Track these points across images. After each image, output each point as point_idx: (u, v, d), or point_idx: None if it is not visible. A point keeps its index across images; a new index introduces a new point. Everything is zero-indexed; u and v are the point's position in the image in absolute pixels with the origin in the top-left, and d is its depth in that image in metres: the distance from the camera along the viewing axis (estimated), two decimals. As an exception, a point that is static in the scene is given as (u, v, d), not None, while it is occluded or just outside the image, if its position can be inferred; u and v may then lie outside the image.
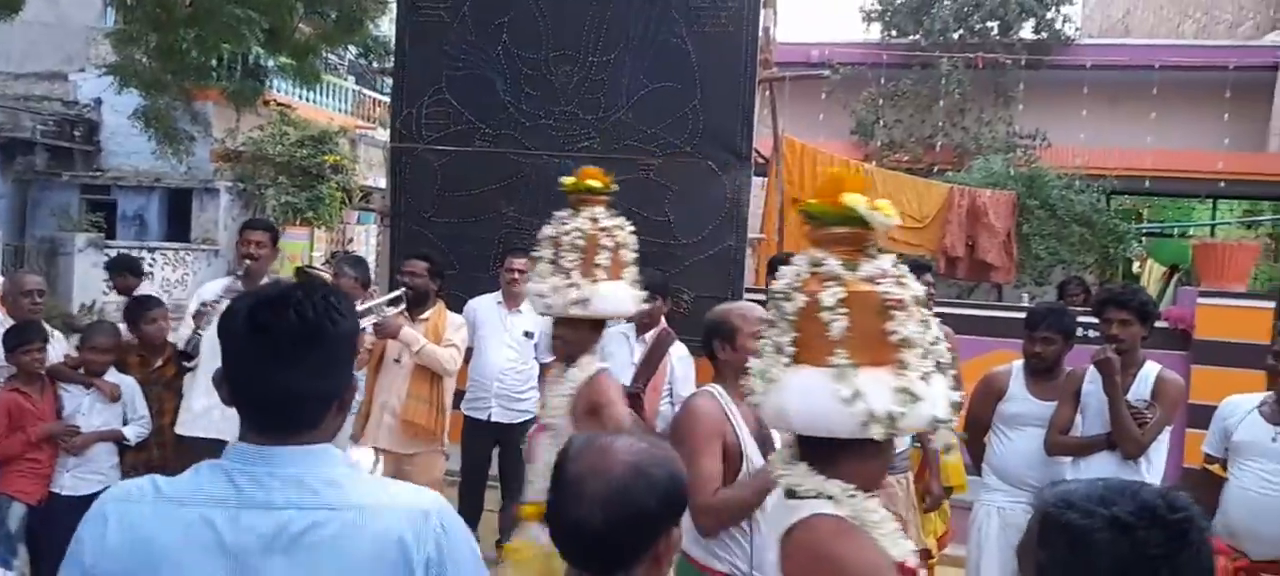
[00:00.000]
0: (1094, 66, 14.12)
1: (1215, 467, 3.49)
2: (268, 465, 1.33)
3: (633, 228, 3.36)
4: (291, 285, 1.41)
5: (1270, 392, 3.39)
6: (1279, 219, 13.83)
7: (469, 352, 4.96)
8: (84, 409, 4.12)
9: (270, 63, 11.56)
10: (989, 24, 15.59)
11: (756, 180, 7.33)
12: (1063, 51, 15.24)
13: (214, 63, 11.56)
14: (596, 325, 3.16)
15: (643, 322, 4.42)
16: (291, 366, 1.33)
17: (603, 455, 1.37)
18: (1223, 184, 13.33)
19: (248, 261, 4.29)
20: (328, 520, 1.31)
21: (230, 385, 1.38)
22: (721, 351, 2.71)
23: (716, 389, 2.67)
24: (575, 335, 3.08)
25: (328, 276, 6.04)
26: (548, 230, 3.19)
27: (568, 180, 3.27)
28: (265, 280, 4.60)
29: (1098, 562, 1.13)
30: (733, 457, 2.56)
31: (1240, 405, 3.43)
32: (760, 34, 5.95)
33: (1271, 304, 7.28)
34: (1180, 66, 13.85)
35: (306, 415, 1.36)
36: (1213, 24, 17.42)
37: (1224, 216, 15.05)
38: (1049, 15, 15.47)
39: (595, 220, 3.10)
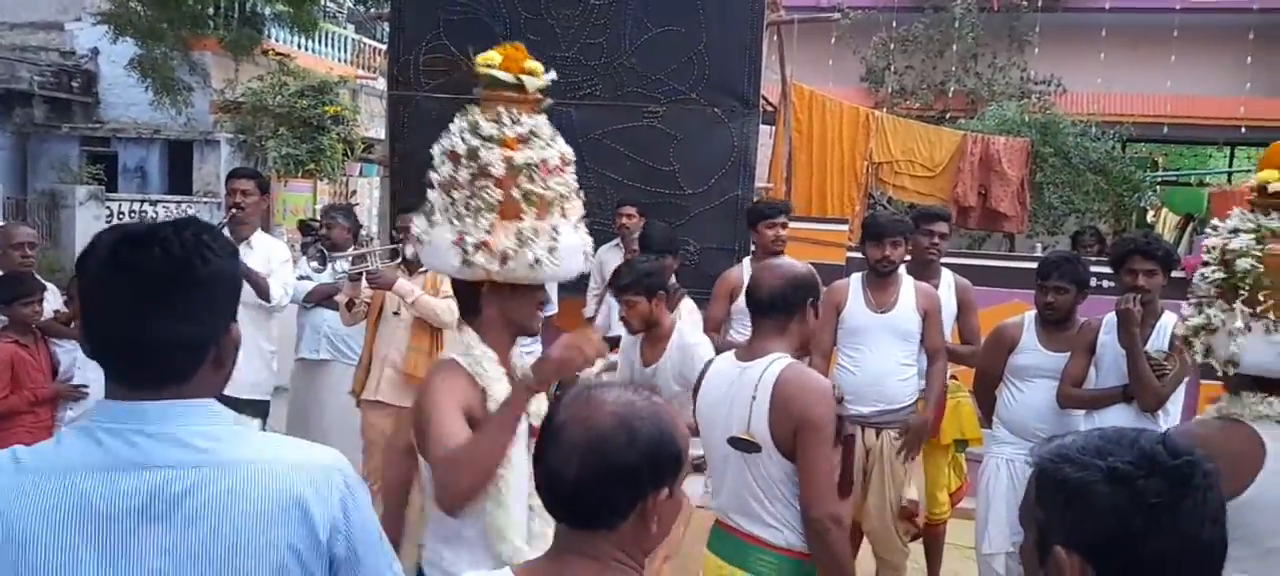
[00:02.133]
0: (1112, 9, 13.75)
1: None
2: (138, 422, 1.19)
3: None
4: (161, 222, 1.27)
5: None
6: (1298, 166, 13.57)
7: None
8: (80, 362, 4.05)
9: (267, 10, 11.36)
10: (1004, -35, 15.18)
11: (764, 128, 7.17)
12: (1079, -6, 14.85)
13: (210, 11, 11.38)
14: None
15: (629, 326, 4.19)
16: (156, 308, 1.20)
17: (589, 405, 1.30)
18: (1243, 130, 13.05)
19: (234, 210, 4.18)
20: (211, 480, 1.19)
21: (90, 331, 1.24)
22: (797, 319, 2.45)
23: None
24: None
25: (313, 249, 5.96)
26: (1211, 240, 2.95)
27: None
28: (258, 232, 4.50)
29: (1098, 516, 1.08)
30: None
31: None
32: (769, -25, 5.75)
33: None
34: (1200, 8, 13.48)
35: (178, 365, 1.22)
36: (1234, -35, 16.97)
37: (1242, 164, 14.77)
38: (1065, -43, 15.06)
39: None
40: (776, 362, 2.36)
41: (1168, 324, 3.48)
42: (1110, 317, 3.56)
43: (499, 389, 2.09)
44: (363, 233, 5.16)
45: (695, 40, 5.44)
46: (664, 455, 1.29)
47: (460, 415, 2.00)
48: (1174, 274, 3.79)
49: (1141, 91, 13.30)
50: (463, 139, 2.24)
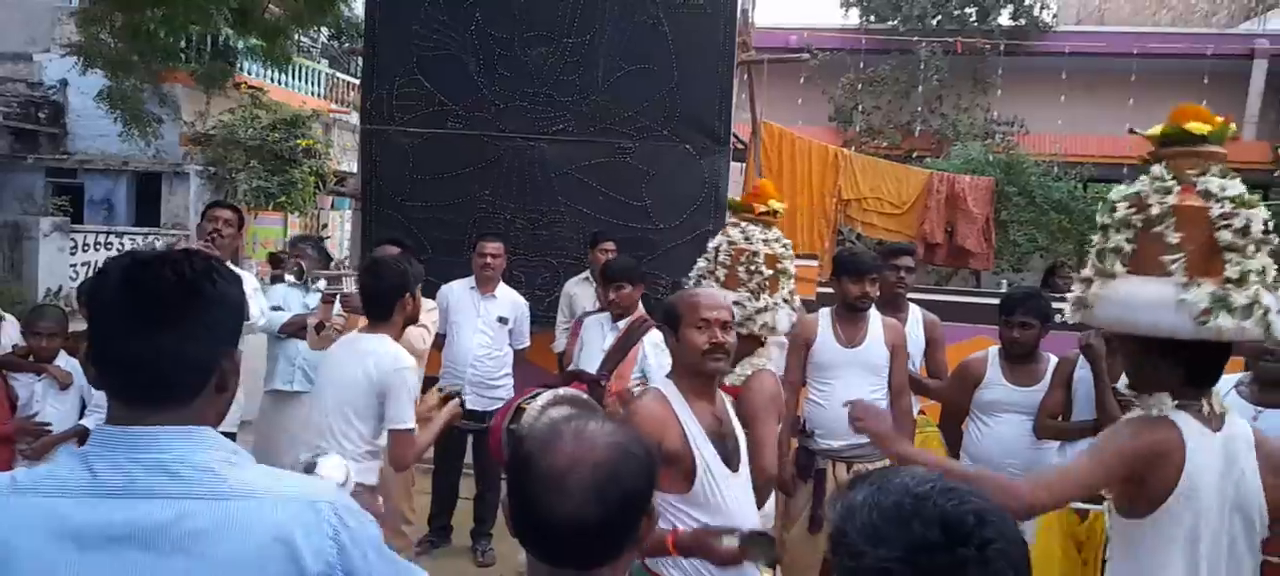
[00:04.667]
0: (1072, 53, 14.15)
1: None
2: (130, 449, 1.20)
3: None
4: (172, 250, 1.31)
5: (1247, 372, 3.36)
6: (1253, 206, 13.97)
7: (443, 339, 4.86)
8: (38, 396, 3.98)
9: (240, 44, 11.34)
10: (967, 10, 15.58)
11: (734, 165, 7.26)
12: (1041, 38, 15.25)
13: (182, 44, 11.33)
14: (1148, 347, 2.70)
15: (618, 309, 4.33)
16: (164, 326, 1.22)
17: (583, 443, 1.27)
18: (1199, 171, 13.43)
19: (212, 239, 4.15)
20: (198, 511, 1.18)
21: (97, 355, 1.26)
22: (672, 341, 2.50)
23: (667, 385, 2.47)
24: (1123, 356, 2.56)
25: (290, 262, 5.91)
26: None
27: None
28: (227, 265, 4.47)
29: None
30: (680, 459, 2.34)
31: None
32: (738, 17, 5.86)
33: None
34: (1158, 54, 13.90)
35: (181, 386, 1.23)
36: (1189, 12, 17.53)
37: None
38: (1027, 2, 15.49)
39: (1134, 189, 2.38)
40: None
41: None
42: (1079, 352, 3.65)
43: None
44: (334, 264, 5.13)
45: (667, 78, 5.52)
46: (655, 470, 1.32)
47: None
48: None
49: (1101, 132, 13.65)
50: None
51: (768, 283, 3.34)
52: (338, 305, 3.95)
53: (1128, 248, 2.11)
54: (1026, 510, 2.05)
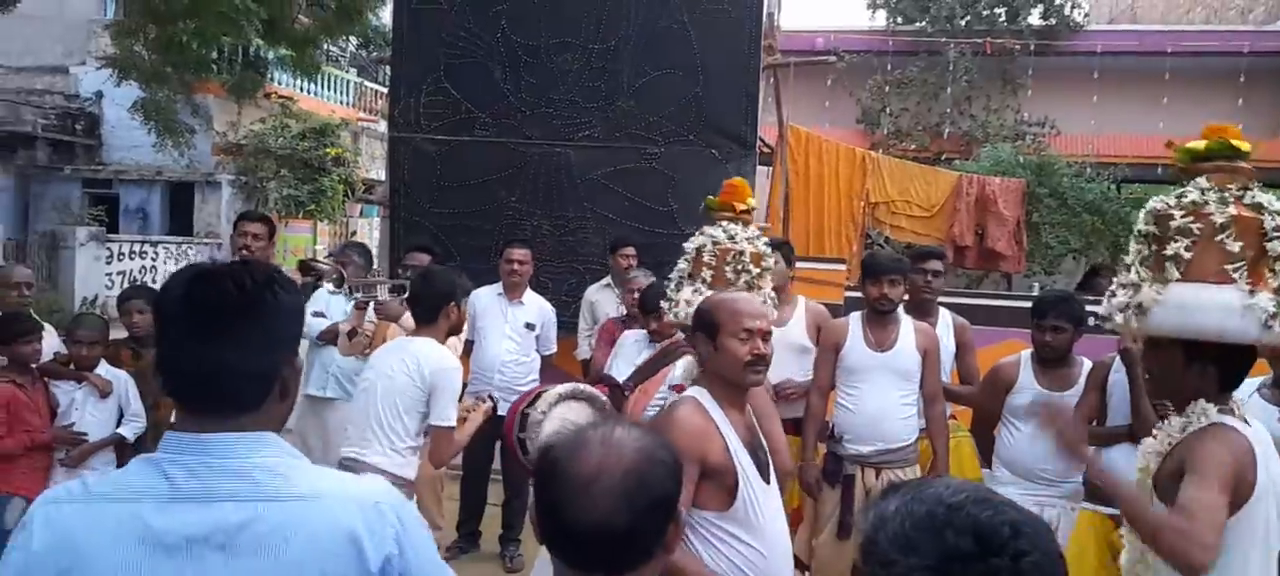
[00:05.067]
0: (1104, 52, 13.96)
1: None
2: (202, 454, 1.25)
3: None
4: (231, 261, 1.35)
5: (1270, 375, 3.29)
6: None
7: (470, 345, 4.87)
8: (78, 404, 4.04)
9: (270, 55, 11.51)
10: (996, 10, 15.42)
11: (762, 169, 7.24)
12: (1071, 38, 15.05)
13: (214, 55, 11.51)
14: (1192, 352, 2.77)
15: (658, 337, 4.28)
16: (229, 339, 1.26)
17: (611, 449, 1.28)
18: (1236, 171, 13.19)
19: (243, 252, 4.20)
20: (269, 512, 1.23)
21: (165, 365, 1.31)
22: (708, 348, 2.36)
23: (701, 392, 2.33)
24: (1161, 362, 2.48)
25: (330, 269, 5.98)
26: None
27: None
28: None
29: None
30: (723, 472, 2.22)
31: (1243, 388, 3.34)
32: (764, 20, 5.84)
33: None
34: (1192, 52, 13.66)
35: (246, 394, 1.28)
36: (1223, 9, 17.22)
37: (1236, 204, 14.89)
38: (1057, 1, 15.30)
39: (1182, 196, 2.37)
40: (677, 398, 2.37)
41: None
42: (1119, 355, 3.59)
43: None
44: (374, 269, 5.20)
45: (692, 83, 5.51)
46: (681, 473, 1.34)
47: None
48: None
49: (1134, 132, 13.43)
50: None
51: (756, 280, 3.29)
52: (370, 312, 3.99)
53: (1187, 255, 2.13)
54: (1202, 568, 2.01)
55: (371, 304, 3.98)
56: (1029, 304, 4.33)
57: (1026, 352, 3.83)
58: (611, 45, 5.56)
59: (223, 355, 1.26)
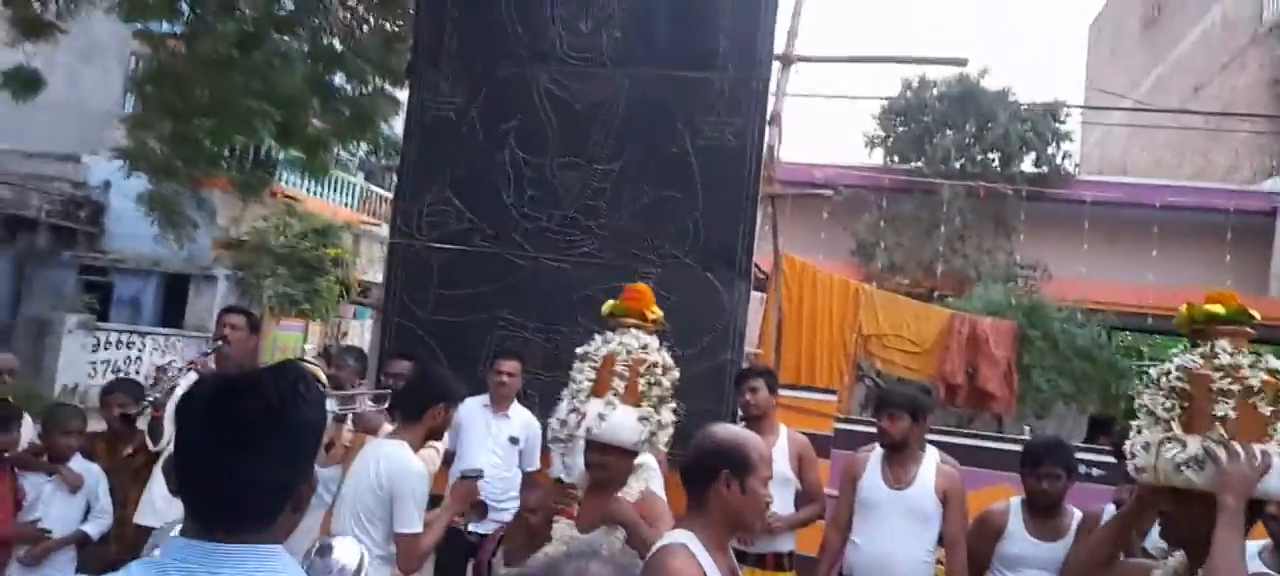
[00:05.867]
0: (1094, 202, 14.28)
1: None
2: (210, 564, 1.21)
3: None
4: (259, 369, 1.33)
5: (1268, 541, 3.23)
6: (1281, 363, 13.74)
7: (450, 456, 4.79)
8: (45, 498, 3.94)
9: (281, 155, 11.73)
10: (990, 155, 15.85)
11: (755, 295, 7.27)
12: (1063, 186, 15.43)
13: (226, 153, 11.73)
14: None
15: None
16: (252, 453, 1.24)
17: None
18: (1223, 325, 13.31)
19: (220, 343, 4.17)
20: None
21: (181, 472, 1.28)
22: (726, 487, 2.24)
23: (689, 537, 2.21)
24: (1193, 512, 2.64)
25: (320, 369, 5.93)
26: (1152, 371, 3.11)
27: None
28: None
29: None
30: None
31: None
32: (765, 151, 5.98)
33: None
34: (1180, 206, 14.00)
35: (262, 508, 1.26)
36: (1209, 167, 17.74)
37: (1225, 357, 14.96)
38: (1049, 150, 15.75)
39: (1212, 357, 2.58)
40: (663, 544, 2.21)
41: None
42: (1110, 507, 3.52)
43: None
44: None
45: (692, 207, 5.61)
46: None
47: None
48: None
49: (1124, 281, 13.62)
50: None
51: (667, 396, 3.12)
52: (349, 423, 3.94)
53: (1233, 415, 2.24)
54: None
55: (349, 416, 3.93)
56: (1020, 447, 4.29)
57: (1016, 499, 3.76)
58: (615, 167, 5.67)
59: (245, 469, 1.23)
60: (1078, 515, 3.68)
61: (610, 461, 2.96)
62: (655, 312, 3.30)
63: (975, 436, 7.53)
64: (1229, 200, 14.21)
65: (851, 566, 3.74)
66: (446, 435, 4.49)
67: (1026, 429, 10.69)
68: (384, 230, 15.36)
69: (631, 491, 2.96)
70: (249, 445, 1.24)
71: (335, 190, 16.75)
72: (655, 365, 3.11)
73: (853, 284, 9.47)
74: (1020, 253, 14.95)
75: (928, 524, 3.72)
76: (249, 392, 1.26)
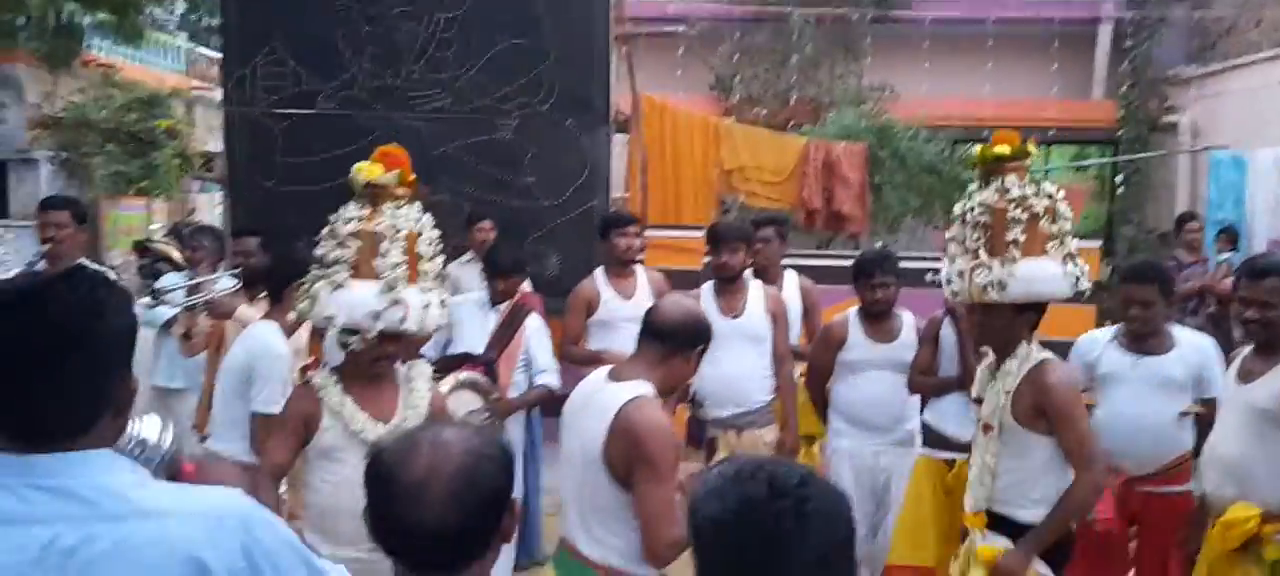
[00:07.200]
0: (933, 20, 14.74)
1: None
2: (27, 475, 1.16)
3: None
4: (47, 278, 1.24)
5: (1119, 325, 3.65)
6: (1105, 162, 14.93)
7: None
8: None
9: (87, 20, 10.61)
10: (836, -20, 15.97)
11: (619, 138, 7.28)
12: (905, 6, 15.83)
13: (20, 22, 10.50)
14: (1021, 309, 2.92)
15: (497, 293, 4.30)
16: (48, 377, 1.17)
17: (439, 451, 1.31)
18: (1053, 131, 14.27)
19: (49, 244, 3.87)
20: (104, 534, 1.16)
21: None
22: (679, 356, 2.43)
23: (649, 388, 2.38)
24: (998, 322, 2.94)
25: (172, 249, 5.63)
26: (956, 207, 3.14)
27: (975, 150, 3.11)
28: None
29: (712, 556, 1.20)
30: None
31: (1097, 340, 3.71)
32: (612, -11, 5.86)
33: (1097, 243, 7.82)
34: (1012, 20, 14.63)
35: (72, 422, 1.20)
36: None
37: (1055, 161, 16.13)
38: (892, -28, 15.98)
39: (1005, 192, 2.90)
40: (631, 392, 2.35)
41: None
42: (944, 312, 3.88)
43: None
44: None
45: (543, 54, 5.48)
46: (512, 467, 1.37)
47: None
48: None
49: (964, 96, 14.30)
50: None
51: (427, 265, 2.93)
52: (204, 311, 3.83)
53: (1023, 237, 2.83)
54: (1101, 481, 2.90)
55: (199, 305, 3.80)
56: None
57: (852, 310, 4.06)
58: (456, 15, 5.44)
59: (42, 393, 1.16)
60: (909, 318, 4.01)
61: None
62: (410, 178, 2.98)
63: (833, 256, 7.98)
64: (1054, 11, 14.93)
65: (702, 393, 3.96)
66: None
67: (879, 244, 11.37)
68: (219, 95, 14.33)
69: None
70: (45, 370, 1.17)
71: (158, 54, 15.35)
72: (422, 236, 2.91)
73: (712, 120, 9.58)
74: (868, 76, 15.39)
75: (763, 345, 3.99)
76: (38, 311, 1.18)
